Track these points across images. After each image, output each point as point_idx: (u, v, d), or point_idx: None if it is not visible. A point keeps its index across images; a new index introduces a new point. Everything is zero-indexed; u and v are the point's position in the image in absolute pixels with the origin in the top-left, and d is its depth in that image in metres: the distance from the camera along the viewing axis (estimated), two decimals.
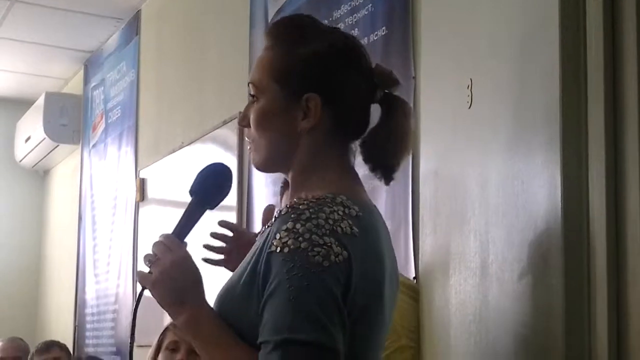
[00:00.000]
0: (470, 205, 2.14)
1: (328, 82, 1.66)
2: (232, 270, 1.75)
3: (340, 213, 1.56)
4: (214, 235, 2.04)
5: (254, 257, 1.59)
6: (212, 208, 1.75)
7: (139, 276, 1.67)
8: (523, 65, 1.99)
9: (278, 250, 1.52)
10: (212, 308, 1.63)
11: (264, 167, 1.75)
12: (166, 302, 1.63)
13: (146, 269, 1.66)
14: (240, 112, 4.31)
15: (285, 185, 1.77)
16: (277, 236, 1.53)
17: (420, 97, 2.61)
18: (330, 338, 1.48)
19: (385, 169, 1.69)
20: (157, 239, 1.68)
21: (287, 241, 1.51)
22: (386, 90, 1.70)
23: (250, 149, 1.74)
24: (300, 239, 1.51)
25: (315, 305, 1.48)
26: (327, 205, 1.56)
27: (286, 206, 1.59)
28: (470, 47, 2.21)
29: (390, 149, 1.68)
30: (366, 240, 1.58)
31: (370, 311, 1.58)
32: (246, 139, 1.77)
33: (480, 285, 2.07)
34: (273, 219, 1.61)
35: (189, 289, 1.62)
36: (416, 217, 2.64)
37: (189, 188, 1.74)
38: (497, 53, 2.09)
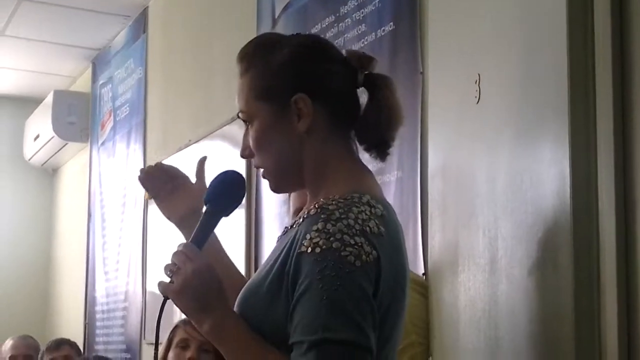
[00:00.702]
0: (478, 201, 2.14)
1: (309, 78, 1.68)
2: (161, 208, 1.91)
3: (368, 213, 1.57)
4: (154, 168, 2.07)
5: (280, 258, 1.59)
6: (227, 215, 1.76)
7: (160, 287, 1.66)
8: (531, 59, 1.98)
9: (309, 251, 1.52)
10: (236, 314, 1.63)
11: (280, 186, 1.76)
12: (190, 310, 1.63)
13: (167, 279, 1.66)
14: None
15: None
16: (308, 236, 1.53)
17: (428, 92, 2.61)
18: (366, 338, 1.49)
19: (379, 145, 1.71)
20: (176, 248, 1.68)
21: (318, 241, 1.52)
22: (366, 72, 1.71)
23: (263, 176, 1.75)
24: (332, 239, 1.51)
25: (349, 304, 1.49)
26: (355, 205, 1.57)
27: (314, 207, 1.59)
28: (478, 42, 2.21)
29: (381, 124, 1.69)
30: (391, 239, 1.60)
31: (391, 311, 1.59)
32: (255, 168, 1.79)
33: (489, 281, 2.07)
34: (301, 220, 1.61)
35: (212, 296, 1.62)
36: (425, 213, 2.64)
37: (203, 197, 1.76)
38: (505, 48, 2.08)
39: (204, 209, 1.75)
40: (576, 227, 1.81)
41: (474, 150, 2.18)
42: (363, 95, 1.73)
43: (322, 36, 1.78)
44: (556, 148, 1.86)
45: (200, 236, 1.72)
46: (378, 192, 1.68)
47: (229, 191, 1.77)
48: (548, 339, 1.87)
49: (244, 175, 1.81)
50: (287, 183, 1.75)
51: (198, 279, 1.62)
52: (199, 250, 1.67)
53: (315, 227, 1.53)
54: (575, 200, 1.81)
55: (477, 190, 2.15)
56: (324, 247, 1.51)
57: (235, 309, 1.65)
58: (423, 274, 2.63)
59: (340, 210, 1.55)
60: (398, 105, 1.71)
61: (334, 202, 1.57)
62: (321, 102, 1.67)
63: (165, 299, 1.66)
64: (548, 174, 1.88)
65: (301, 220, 1.61)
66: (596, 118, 1.83)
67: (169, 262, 1.66)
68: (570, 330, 1.80)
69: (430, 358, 2.36)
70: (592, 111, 1.84)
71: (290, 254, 1.56)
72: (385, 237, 1.57)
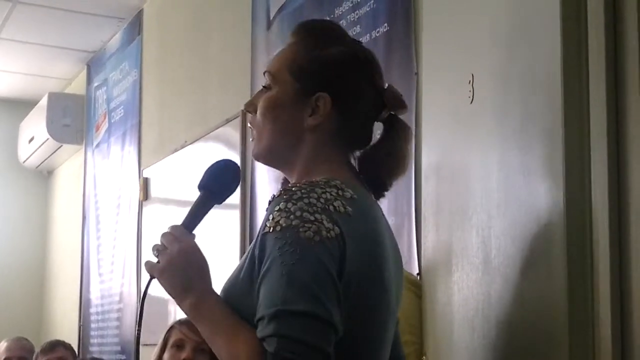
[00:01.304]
0: (472, 200, 2.14)
1: (341, 86, 1.71)
2: None
3: (334, 194, 1.59)
4: None
5: (252, 245, 1.61)
6: (219, 203, 1.78)
7: (147, 265, 1.70)
8: (524, 59, 1.99)
9: (271, 230, 1.55)
10: (218, 295, 1.65)
11: (264, 157, 1.78)
12: (173, 289, 1.66)
13: (154, 260, 1.69)
14: (242, 110, 4.31)
15: (285, 183, 1.79)
16: (270, 217, 1.56)
17: (422, 93, 2.62)
18: (325, 310, 1.49)
19: (377, 185, 1.75)
20: (165, 230, 1.71)
21: (279, 220, 1.54)
22: (392, 112, 1.75)
23: (252, 137, 1.77)
24: (292, 216, 1.54)
25: (308, 277, 1.50)
26: (320, 187, 1.59)
27: (279, 190, 1.62)
28: (471, 43, 2.21)
29: (386, 167, 1.73)
30: (362, 221, 1.60)
31: (370, 295, 1.59)
32: (249, 125, 1.80)
33: (483, 280, 2.07)
34: (268, 203, 1.64)
35: (195, 276, 1.65)
36: (419, 213, 2.65)
37: (197, 183, 1.77)
38: (499, 48, 2.09)
39: (198, 194, 1.77)
40: (569, 226, 1.81)
41: (468, 150, 2.19)
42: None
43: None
44: (550, 146, 1.87)
45: (191, 220, 1.73)
46: (361, 187, 1.69)
47: (224, 179, 1.78)
48: (542, 337, 1.87)
49: (239, 165, 1.82)
50: (270, 157, 1.77)
51: (183, 258, 1.65)
52: (187, 231, 1.70)
53: (277, 208, 1.56)
54: (569, 199, 1.81)
55: (471, 190, 2.16)
56: (284, 225, 1.53)
57: None
58: (417, 274, 2.64)
59: (302, 191, 1.58)
60: (406, 157, 1.75)
61: (297, 185, 1.61)
62: (339, 111, 1.70)
63: (151, 277, 1.69)
64: (541, 172, 1.88)
65: (268, 204, 1.63)
66: (590, 116, 1.83)
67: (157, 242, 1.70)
68: (564, 328, 1.80)
69: (424, 357, 2.37)
70: (585, 109, 1.84)
71: (256, 237, 1.59)
72: (353, 217, 1.58)
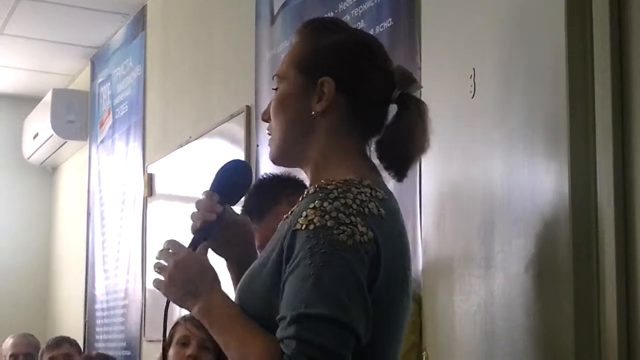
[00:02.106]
0: (474, 196, 2.13)
1: (344, 69, 1.70)
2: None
3: (368, 195, 1.58)
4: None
5: (279, 242, 1.59)
6: (232, 204, 1.78)
7: (155, 283, 1.73)
8: (527, 53, 1.98)
9: (303, 228, 1.53)
10: (225, 296, 1.65)
11: (279, 156, 1.77)
12: (180, 299, 1.69)
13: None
14: (247, 106, 4.31)
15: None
16: (304, 214, 1.54)
17: (423, 87, 2.60)
18: (347, 315, 1.48)
19: (398, 166, 1.72)
20: (161, 247, 1.74)
21: (313, 219, 1.53)
22: (404, 91, 1.72)
23: (269, 144, 1.77)
24: (327, 217, 1.52)
25: (335, 282, 1.48)
26: (355, 187, 1.58)
27: (314, 186, 1.61)
28: (473, 37, 2.20)
29: (405, 146, 1.70)
30: (393, 222, 1.60)
31: (397, 298, 1.59)
32: (267, 132, 1.80)
33: (485, 277, 2.06)
34: (300, 199, 1.63)
35: (197, 282, 1.66)
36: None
37: (209, 185, 1.77)
38: (501, 42, 2.07)
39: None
40: (575, 222, 1.80)
41: (470, 145, 2.18)
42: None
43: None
44: (554, 142, 1.85)
45: (204, 228, 1.74)
46: (385, 185, 1.68)
47: (235, 180, 1.78)
48: (546, 334, 1.86)
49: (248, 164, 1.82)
50: (286, 155, 1.75)
51: (180, 269, 1.68)
52: (180, 243, 1.72)
53: (312, 205, 1.54)
54: (574, 195, 1.80)
55: (473, 185, 2.14)
56: (317, 224, 1.52)
57: (236, 296, 1.67)
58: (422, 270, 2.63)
59: (339, 190, 1.56)
60: (424, 133, 1.71)
61: (333, 183, 1.58)
62: (346, 94, 1.69)
63: (167, 298, 1.72)
64: (546, 168, 1.87)
65: (301, 199, 1.62)
66: (595, 111, 1.82)
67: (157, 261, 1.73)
68: (570, 325, 1.79)
69: (425, 353, 2.35)
70: (590, 104, 1.83)
71: (287, 232, 1.57)
72: (386, 219, 1.57)
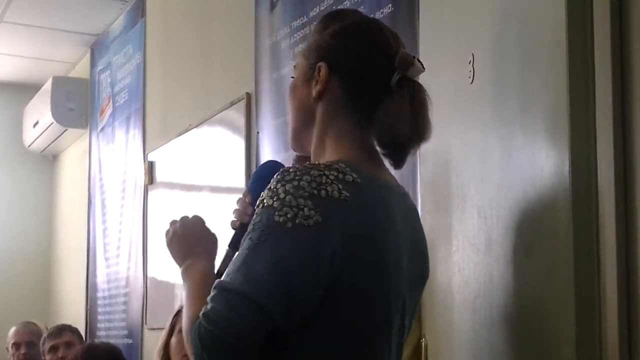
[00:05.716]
0: (472, 181, 2.13)
1: (337, 52, 1.73)
2: None
3: (332, 177, 1.57)
4: None
5: None
6: None
7: (165, 236, 1.87)
8: (526, 38, 1.97)
9: (258, 206, 1.59)
10: (208, 265, 1.74)
11: (293, 145, 1.85)
12: (175, 255, 1.82)
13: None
14: (247, 93, 4.30)
15: (296, 162, 1.79)
16: (263, 193, 1.60)
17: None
18: (258, 291, 1.49)
19: (395, 153, 1.72)
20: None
21: (264, 198, 1.58)
22: (404, 75, 1.70)
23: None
24: (275, 197, 1.56)
25: (259, 262, 1.51)
26: (317, 169, 1.58)
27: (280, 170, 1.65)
28: (471, 22, 2.19)
29: (401, 133, 1.68)
30: (360, 206, 1.58)
31: (364, 281, 1.58)
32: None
33: (484, 261, 2.06)
34: None
35: (195, 245, 1.78)
36: None
37: (247, 187, 1.85)
38: (499, 27, 2.07)
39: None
40: (576, 206, 1.79)
41: (469, 130, 2.17)
42: None
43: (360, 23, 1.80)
44: (554, 126, 1.85)
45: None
46: (376, 171, 1.68)
47: (269, 181, 1.79)
48: (546, 319, 1.86)
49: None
50: (297, 141, 1.82)
51: (185, 229, 1.83)
52: (202, 218, 1.85)
53: (270, 186, 1.59)
54: (575, 179, 1.79)
55: (471, 170, 2.14)
56: (265, 204, 1.57)
57: None
58: None
59: (297, 173, 1.57)
60: (419, 119, 1.69)
61: (297, 166, 1.61)
62: (340, 77, 1.72)
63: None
64: (546, 152, 1.86)
65: None
66: (595, 94, 1.81)
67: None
68: (570, 310, 1.78)
69: (423, 339, 2.35)
70: (591, 88, 1.82)
71: None
72: (349, 202, 1.56)
